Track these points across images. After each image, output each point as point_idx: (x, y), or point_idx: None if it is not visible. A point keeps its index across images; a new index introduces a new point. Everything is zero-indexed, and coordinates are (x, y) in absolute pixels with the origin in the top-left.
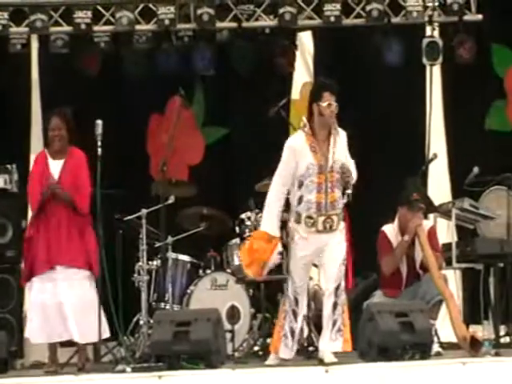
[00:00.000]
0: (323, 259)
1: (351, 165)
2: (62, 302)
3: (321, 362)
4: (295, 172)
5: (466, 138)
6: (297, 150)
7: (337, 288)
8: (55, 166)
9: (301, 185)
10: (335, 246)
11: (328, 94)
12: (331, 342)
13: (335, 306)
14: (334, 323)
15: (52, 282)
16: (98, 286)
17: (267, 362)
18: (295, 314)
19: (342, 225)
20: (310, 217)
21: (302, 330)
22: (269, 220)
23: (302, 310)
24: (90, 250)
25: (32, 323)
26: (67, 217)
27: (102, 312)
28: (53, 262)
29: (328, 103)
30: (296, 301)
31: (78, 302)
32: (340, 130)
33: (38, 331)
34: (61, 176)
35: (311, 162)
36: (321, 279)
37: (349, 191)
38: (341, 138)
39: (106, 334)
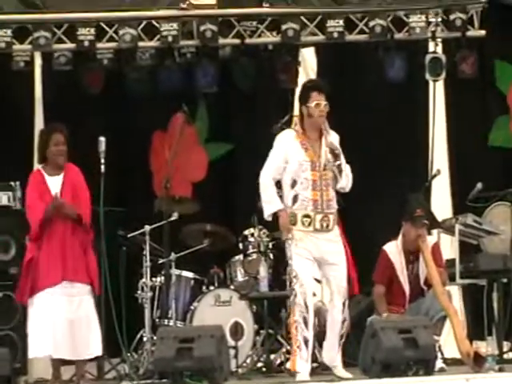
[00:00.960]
0: (330, 273)
1: (346, 169)
2: (58, 319)
3: (339, 378)
4: (285, 167)
5: (469, 154)
6: (286, 142)
7: (344, 304)
8: (53, 183)
9: (294, 183)
10: (342, 262)
11: (316, 93)
12: (339, 356)
13: (344, 321)
14: (341, 337)
15: (54, 296)
16: (100, 303)
17: (298, 378)
18: (306, 322)
19: (338, 230)
20: (307, 215)
21: (313, 350)
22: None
23: (312, 318)
24: (91, 267)
25: (34, 338)
26: (71, 232)
27: (99, 329)
28: (60, 276)
29: (316, 103)
30: (306, 306)
31: (74, 319)
32: (332, 132)
33: (38, 345)
34: (61, 192)
35: (304, 158)
36: (324, 295)
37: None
38: (333, 139)
39: (99, 352)
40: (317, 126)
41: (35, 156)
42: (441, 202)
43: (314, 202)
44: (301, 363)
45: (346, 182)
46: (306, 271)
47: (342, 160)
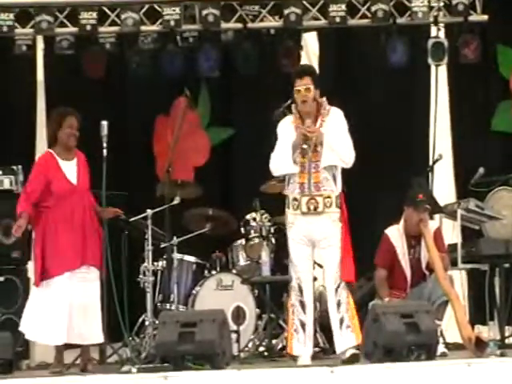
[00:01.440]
0: (322, 255)
1: (346, 143)
2: (74, 305)
3: (344, 363)
4: None
5: (472, 139)
6: (284, 128)
7: (337, 288)
8: (68, 167)
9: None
10: (333, 245)
11: (298, 79)
12: (343, 341)
13: (338, 304)
14: (342, 321)
15: (71, 280)
16: (102, 286)
17: (299, 362)
18: (303, 306)
19: (336, 213)
20: (295, 198)
21: (314, 335)
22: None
23: (310, 302)
24: (101, 250)
25: (49, 326)
26: (90, 218)
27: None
28: (80, 261)
29: (296, 89)
30: (301, 290)
31: (87, 304)
32: (333, 108)
33: (54, 333)
34: (78, 178)
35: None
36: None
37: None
38: (331, 117)
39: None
40: (304, 111)
41: (37, 140)
42: (444, 186)
43: (300, 184)
44: (298, 346)
45: (332, 156)
46: (300, 255)
47: (344, 145)
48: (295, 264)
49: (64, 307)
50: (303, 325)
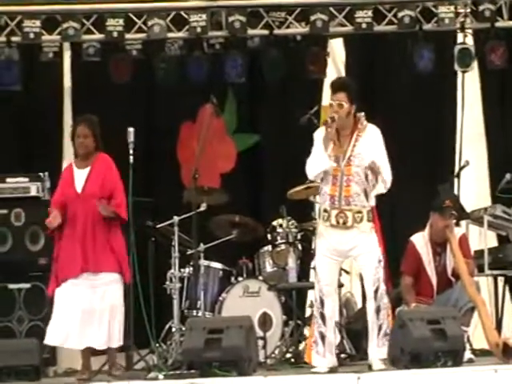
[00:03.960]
0: (358, 263)
1: (383, 164)
2: (85, 309)
3: (370, 368)
4: None
5: (500, 145)
6: (319, 137)
7: (376, 291)
8: (80, 176)
9: (322, 177)
10: (367, 251)
11: (332, 94)
12: (378, 349)
13: (378, 310)
14: (380, 328)
15: (77, 287)
16: (129, 293)
17: (313, 370)
18: (323, 318)
19: (369, 225)
20: (325, 210)
21: (341, 341)
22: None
23: (332, 314)
24: (118, 254)
25: (51, 325)
26: (93, 222)
27: (122, 318)
28: (80, 268)
29: (329, 103)
30: (322, 302)
31: (101, 309)
32: (371, 126)
33: (53, 333)
34: (85, 185)
35: (329, 153)
36: (353, 286)
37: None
38: (368, 134)
39: (120, 342)
40: (341, 123)
41: (64, 146)
42: (477, 192)
43: (331, 197)
44: (317, 358)
45: (380, 186)
46: (325, 268)
47: (381, 163)
48: (319, 276)
49: (63, 312)
50: (323, 337)
